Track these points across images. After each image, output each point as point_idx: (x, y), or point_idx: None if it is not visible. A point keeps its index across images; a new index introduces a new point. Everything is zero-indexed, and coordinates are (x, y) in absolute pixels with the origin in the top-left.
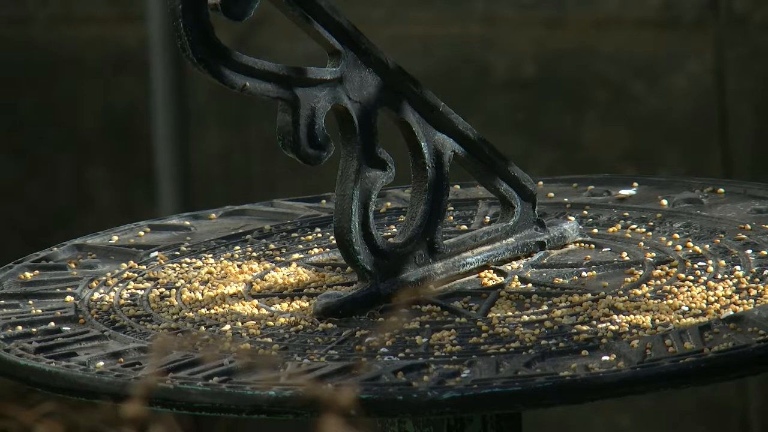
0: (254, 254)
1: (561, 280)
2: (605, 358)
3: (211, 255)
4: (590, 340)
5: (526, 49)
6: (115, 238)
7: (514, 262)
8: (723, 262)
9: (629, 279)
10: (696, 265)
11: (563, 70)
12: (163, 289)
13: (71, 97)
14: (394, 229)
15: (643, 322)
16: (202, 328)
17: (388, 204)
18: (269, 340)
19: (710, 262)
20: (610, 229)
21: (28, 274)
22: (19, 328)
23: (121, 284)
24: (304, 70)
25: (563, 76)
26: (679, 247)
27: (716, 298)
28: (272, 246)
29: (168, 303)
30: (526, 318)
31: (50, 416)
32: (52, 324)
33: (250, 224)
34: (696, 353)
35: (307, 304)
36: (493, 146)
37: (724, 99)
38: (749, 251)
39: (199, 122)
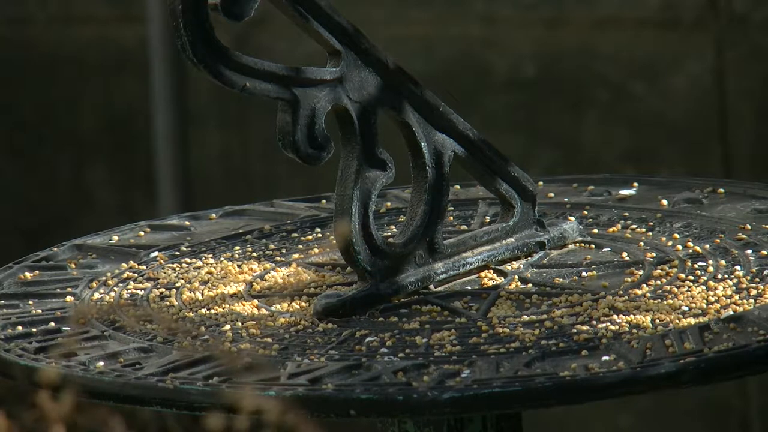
0: (254, 254)
1: (561, 280)
2: (605, 358)
3: (211, 255)
4: (590, 340)
5: (526, 49)
6: (115, 238)
7: (514, 262)
8: (723, 262)
9: (629, 279)
10: (696, 265)
11: (563, 70)
12: (163, 289)
13: (71, 97)
14: (394, 229)
15: (643, 322)
16: (202, 328)
17: (388, 204)
18: (269, 340)
19: (710, 262)
20: (610, 229)
21: (28, 274)
22: (19, 328)
23: (121, 284)
24: (304, 70)
25: (563, 76)
26: (679, 247)
27: (716, 298)
28: (272, 246)
29: (168, 303)
30: (526, 318)
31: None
32: (52, 324)
33: (250, 224)
34: (696, 353)
35: (307, 304)
36: (493, 146)
37: (724, 99)
38: (749, 251)
39: (199, 122)
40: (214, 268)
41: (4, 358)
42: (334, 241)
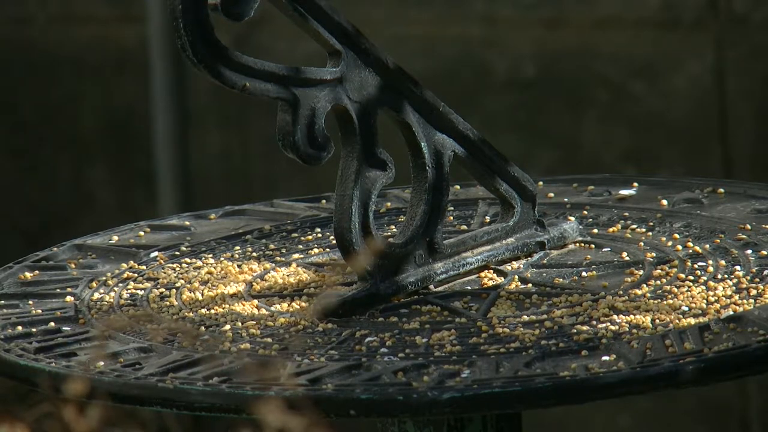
0: (254, 254)
1: (561, 280)
2: (605, 358)
3: (211, 255)
4: (590, 340)
5: (526, 49)
6: (115, 238)
7: (514, 262)
8: (723, 262)
9: (629, 279)
10: (696, 265)
11: (563, 70)
12: (163, 289)
13: (71, 97)
14: (394, 229)
15: (643, 322)
16: (202, 328)
17: (388, 204)
18: (269, 340)
19: (710, 262)
20: (610, 229)
21: (28, 274)
22: (19, 328)
23: (121, 284)
24: (304, 70)
25: (563, 76)
26: (679, 247)
27: (716, 298)
28: (272, 246)
29: (168, 303)
30: (526, 318)
31: (50, 416)
32: (52, 324)
33: (250, 224)
34: (696, 353)
35: (307, 304)
36: (493, 146)
37: (724, 99)
38: (749, 251)
39: (199, 122)
40: (214, 268)
41: (4, 358)
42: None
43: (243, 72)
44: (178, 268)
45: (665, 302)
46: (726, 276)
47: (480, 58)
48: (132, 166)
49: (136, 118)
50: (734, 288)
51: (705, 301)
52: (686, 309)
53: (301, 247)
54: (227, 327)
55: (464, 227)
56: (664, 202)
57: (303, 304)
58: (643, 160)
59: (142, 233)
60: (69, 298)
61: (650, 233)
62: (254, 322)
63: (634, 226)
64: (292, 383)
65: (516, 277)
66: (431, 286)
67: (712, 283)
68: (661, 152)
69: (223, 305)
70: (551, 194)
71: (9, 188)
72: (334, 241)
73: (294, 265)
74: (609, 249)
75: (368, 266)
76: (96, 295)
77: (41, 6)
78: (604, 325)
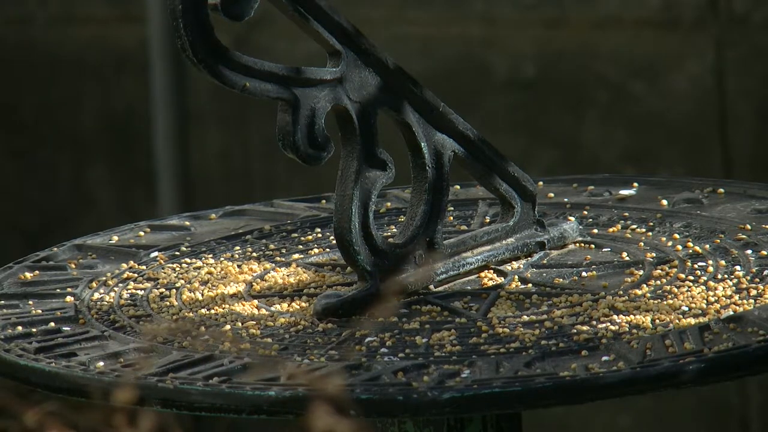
0: (254, 254)
1: (561, 280)
2: (605, 358)
3: (211, 255)
4: (590, 340)
5: (526, 49)
6: (115, 238)
7: (514, 262)
8: (723, 262)
9: (629, 279)
10: (696, 265)
11: (563, 70)
12: (163, 290)
13: (71, 97)
14: (394, 229)
15: (643, 322)
16: (202, 328)
17: (388, 204)
18: (269, 340)
19: (710, 262)
20: (610, 229)
21: (28, 274)
22: (19, 328)
23: (121, 284)
24: (304, 70)
25: (563, 76)
26: (679, 247)
27: (716, 298)
28: (272, 246)
29: (168, 303)
30: (526, 318)
31: (50, 416)
32: (52, 324)
33: (250, 224)
34: (696, 353)
35: (307, 304)
36: (493, 146)
37: (724, 99)
38: (749, 251)
39: (199, 122)
40: (214, 268)
41: (4, 358)
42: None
43: (243, 72)
44: (178, 268)
45: (665, 302)
46: (726, 276)
47: (480, 58)
48: (132, 166)
49: (136, 118)
50: (734, 288)
51: (705, 301)
52: (686, 309)
53: (301, 247)
54: (227, 327)
55: (464, 227)
56: (664, 202)
57: (303, 304)
58: (643, 160)
59: (142, 233)
60: (69, 298)
61: (650, 233)
62: (254, 322)
63: (634, 226)
64: (336, 385)
65: (516, 277)
66: (431, 286)
67: (712, 283)
68: (661, 152)
69: (223, 305)
70: (551, 194)
71: (9, 188)
72: (334, 241)
73: (294, 265)
74: (609, 249)
75: (368, 266)
76: (96, 295)
77: (41, 6)
78: (604, 325)
